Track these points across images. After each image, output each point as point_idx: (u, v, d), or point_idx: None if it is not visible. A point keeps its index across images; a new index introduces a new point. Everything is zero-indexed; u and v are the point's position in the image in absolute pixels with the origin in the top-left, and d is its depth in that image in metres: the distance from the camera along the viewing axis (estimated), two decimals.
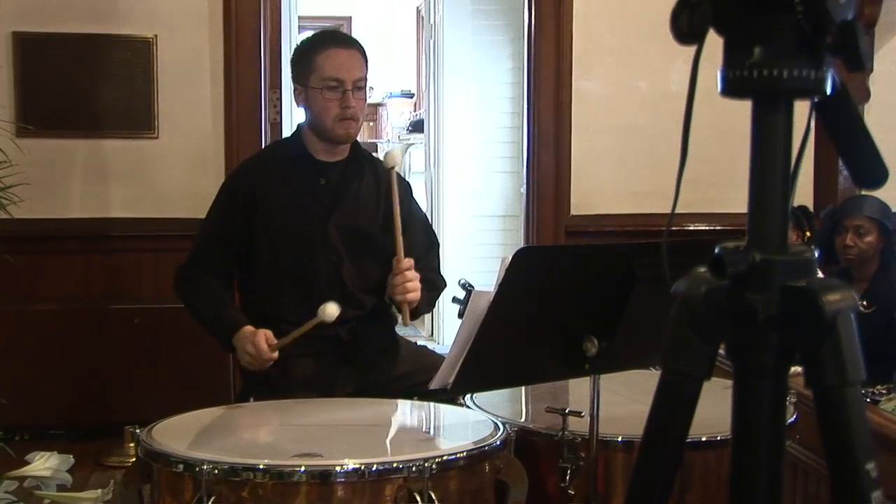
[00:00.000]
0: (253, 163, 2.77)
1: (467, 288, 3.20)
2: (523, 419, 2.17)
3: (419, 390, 2.31)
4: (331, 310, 2.32)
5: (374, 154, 2.87)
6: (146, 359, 4.24)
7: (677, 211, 3.97)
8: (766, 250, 0.88)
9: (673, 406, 0.90)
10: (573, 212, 4.52)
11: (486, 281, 3.40)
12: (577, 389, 2.20)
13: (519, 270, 1.64)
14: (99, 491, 1.99)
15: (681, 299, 0.90)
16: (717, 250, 0.92)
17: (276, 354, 2.44)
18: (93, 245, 4.24)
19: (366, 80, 2.60)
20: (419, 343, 2.98)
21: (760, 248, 0.88)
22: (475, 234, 6.19)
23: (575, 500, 1.94)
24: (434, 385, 1.84)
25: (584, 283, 1.76)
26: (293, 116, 5.31)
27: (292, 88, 2.77)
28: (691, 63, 0.98)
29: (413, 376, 2.55)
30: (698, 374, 0.89)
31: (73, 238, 4.21)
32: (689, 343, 0.89)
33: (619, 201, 4.52)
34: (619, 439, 1.96)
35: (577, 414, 1.91)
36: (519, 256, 1.62)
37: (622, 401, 2.20)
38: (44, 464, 2.22)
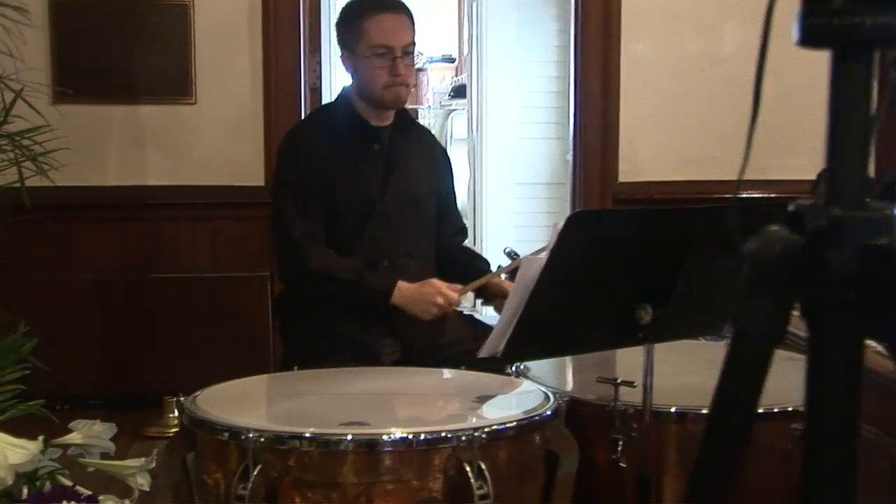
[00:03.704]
0: (306, 128, 2.76)
1: (513, 256, 3.21)
2: (570, 389, 2.16)
3: (466, 359, 2.31)
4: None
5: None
6: (183, 329, 4.28)
7: (729, 178, 3.95)
8: (844, 207, 0.85)
9: (744, 370, 0.88)
10: (621, 179, 4.47)
11: (530, 251, 3.40)
12: (625, 359, 2.19)
13: (573, 235, 1.62)
14: (142, 459, 2.00)
15: (753, 258, 0.89)
16: (792, 207, 0.90)
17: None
18: (129, 213, 4.28)
19: (414, 44, 2.60)
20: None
21: (839, 204, 0.86)
22: (518, 203, 6.16)
23: (626, 472, 1.93)
24: (483, 353, 1.84)
25: (638, 249, 1.74)
26: (332, 82, 5.31)
27: (339, 52, 2.75)
28: (765, 12, 0.95)
29: (459, 345, 2.56)
30: (771, 335, 0.87)
31: (110, 206, 4.25)
32: (762, 303, 0.88)
33: (669, 168, 4.47)
34: (672, 410, 1.95)
35: (630, 384, 1.89)
36: (573, 220, 1.60)
37: (673, 371, 2.18)
38: (87, 432, 2.23)
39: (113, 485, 2.00)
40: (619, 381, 1.90)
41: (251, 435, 1.64)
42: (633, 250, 1.74)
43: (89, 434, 2.20)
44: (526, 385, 2.03)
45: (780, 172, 4.31)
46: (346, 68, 2.68)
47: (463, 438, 1.64)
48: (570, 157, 6.05)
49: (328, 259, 2.55)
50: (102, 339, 4.26)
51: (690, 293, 1.76)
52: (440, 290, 2.48)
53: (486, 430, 1.67)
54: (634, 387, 1.88)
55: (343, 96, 2.73)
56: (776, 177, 4.34)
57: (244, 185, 4.29)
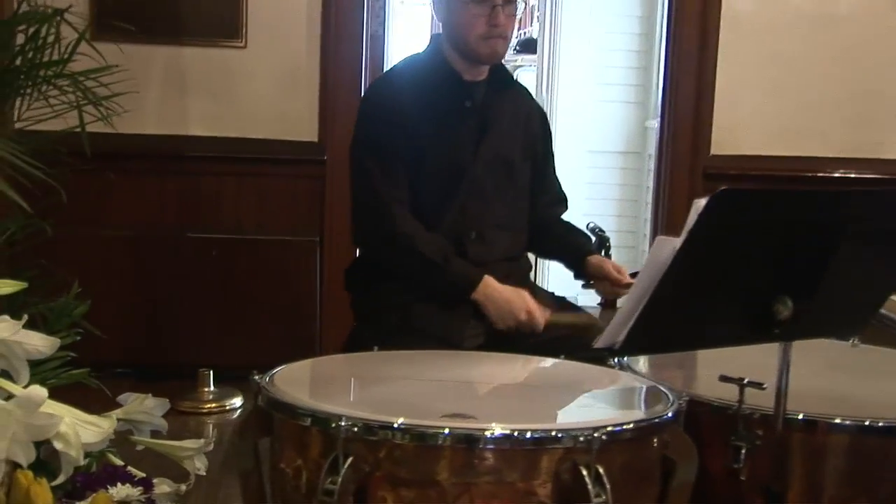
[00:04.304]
0: (392, 80, 2.72)
1: (597, 233, 3.17)
2: (682, 386, 2.11)
3: (558, 346, 2.29)
4: None
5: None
6: (223, 295, 4.31)
7: (839, 155, 3.86)
8: None
9: None
10: (713, 151, 4.43)
11: (605, 225, 3.35)
12: (742, 356, 2.13)
13: (717, 215, 1.57)
14: (201, 441, 1.99)
15: None
16: None
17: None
18: (168, 165, 4.29)
19: None
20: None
21: None
22: (590, 172, 6.10)
23: (746, 485, 1.89)
24: (600, 343, 1.80)
25: (785, 234, 1.69)
26: (392, 28, 5.26)
27: None
28: None
29: (551, 330, 2.53)
30: None
31: (146, 157, 4.26)
32: None
33: (769, 141, 4.42)
34: (801, 417, 1.90)
35: (758, 385, 1.84)
36: (719, 199, 1.54)
37: (801, 373, 2.12)
38: (138, 406, 2.22)
39: (163, 466, 1.98)
40: (745, 381, 1.85)
41: (343, 423, 1.61)
42: (778, 235, 1.68)
43: (141, 409, 2.19)
44: (638, 381, 1.99)
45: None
46: (437, 14, 2.65)
47: (581, 439, 1.60)
48: (651, 124, 6.01)
49: (415, 229, 2.52)
50: (133, 302, 4.28)
51: (840, 286, 1.71)
52: (529, 308, 2.47)
53: (606, 430, 1.63)
54: (764, 388, 1.83)
55: (433, 46, 2.69)
56: (890, 155, 4.27)
57: (296, 141, 4.30)
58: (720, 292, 1.73)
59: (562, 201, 2.87)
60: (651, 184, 5.34)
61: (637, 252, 6.29)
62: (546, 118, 2.86)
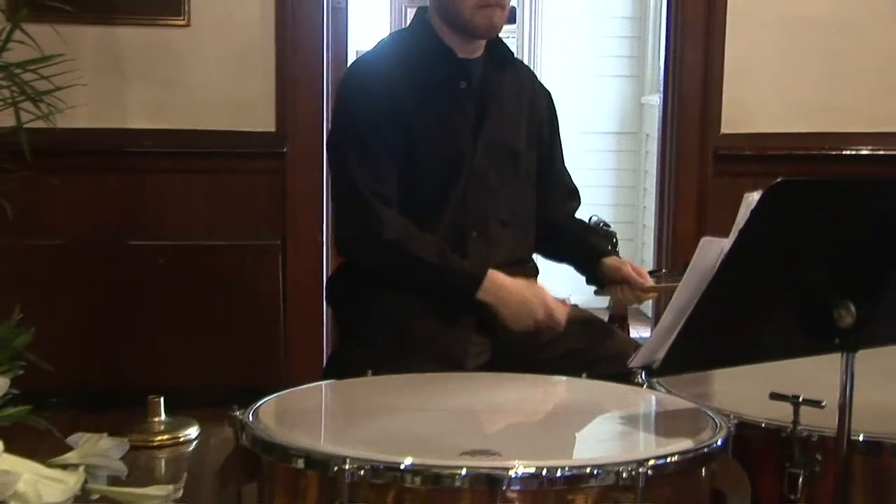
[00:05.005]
0: (376, 59, 2.67)
1: (602, 228, 3.14)
2: (726, 405, 2.08)
3: (578, 361, 2.28)
4: None
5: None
6: (173, 309, 4.24)
7: (864, 130, 3.84)
8: None
9: None
10: (724, 129, 4.43)
11: (615, 217, 3.29)
12: (790, 368, 2.11)
13: (773, 210, 1.54)
14: (169, 487, 1.92)
15: None
16: None
17: None
18: (105, 163, 4.22)
19: None
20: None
21: None
22: (581, 157, 6.05)
23: None
24: (636, 362, 1.77)
25: (846, 231, 1.67)
26: (356, 2, 5.21)
27: None
28: None
29: (563, 343, 2.52)
30: None
31: (80, 154, 4.18)
32: None
33: (786, 117, 4.42)
34: (861, 438, 1.87)
35: (816, 404, 1.82)
36: (776, 192, 1.51)
37: (857, 385, 2.09)
38: (91, 449, 2.15)
39: None
40: (800, 398, 1.83)
41: (346, 466, 1.56)
42: (840, 232, 1.66)
43: (94, 452, 2.13)
44: (676, 401, 1.97)
45: None
46: None
47: (624, 476, 1.56)
48: (648, 100, 6.00)
49: (404, 228, 2.47)
50: (70, 320, 4.20)
51: None
52: (546, 304, 2.43)
53: (649, 463, 1.59)
54: (823, 407, 1.81)
55: (421, 20, 2.65)
56: None
57: (250, 131, 4.25)
58: (775, 299, 1.73)
59: (574, 195, 2.85)
60: (652, 168, 5.33)
61: (637, 245, 6.28)
62: (552, 100, 2.84)
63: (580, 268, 2.74)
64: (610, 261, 2.66)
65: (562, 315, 2.46)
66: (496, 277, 2.44)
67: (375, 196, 2.48)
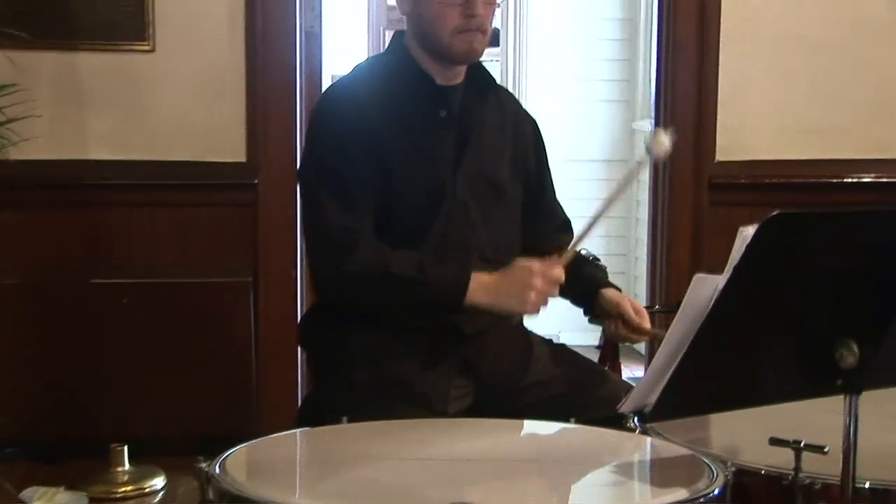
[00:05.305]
0: (350, 87, 2.68)
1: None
2: (722, 451, 2.08)
3: (566, 405, 2.28)
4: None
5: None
6: (138, 351, 4.22)
7: (868, 157, 3.84)
8: None
9: None
10: (719, 157, 4.44)
11: (589, 248, 3.32)
12: (790, 411, 2.11)
13: (768, 245, 1.54)
14: None
15: None
16: None
17: None
18: (65, 197, 4.21)
19: None
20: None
21: None
22: (569, 186, 6.06)
23: None
24: (627, 406, 1.76)
25: (847, 266, 1.67)
26: (330, 26, 5.22)
27: None
28: None
29: (549, 385, 2.52)
30: None
31: (38, 187, 4.17)
32: None
33: (784, 142, 4.43)
34: (867, 485, 1.87)
35: (819, 449, 1.82)
36: (772, 225, 1.51)
37: (865, 429, 2.09)
38: (49, 503, 2.15)
39: None
40: (802, 443, 1.82)
41: None
42: (842, 267, 1.66)
43: None
44: (669, 448, 1.97)
45: None
46: (400, 6, 2.61)
47: None
48: (639, 125, 6.02)
49: (376, 250, 2.47)
50: (27, 364, 4.17)
51: None
52: (533, 269, 2.39)
53: None
54: (825, 453, 1.81)
55: (398, 45, 2.65)
56: None
57: (220, 162, 4.25)
58: (773, 338, 1.72)
59: (567, 227, 2.86)
60: (644, 197, 5.34)
61: (629, 278, 6.29)
62: (537, 127, 2.85)
63: (577, 300, 2.72)
64: (609, 293, 2.65)
65: (555, 268, 2.41)
66: (480, 278, 2.43)
67: (346, 231, 2.47)
